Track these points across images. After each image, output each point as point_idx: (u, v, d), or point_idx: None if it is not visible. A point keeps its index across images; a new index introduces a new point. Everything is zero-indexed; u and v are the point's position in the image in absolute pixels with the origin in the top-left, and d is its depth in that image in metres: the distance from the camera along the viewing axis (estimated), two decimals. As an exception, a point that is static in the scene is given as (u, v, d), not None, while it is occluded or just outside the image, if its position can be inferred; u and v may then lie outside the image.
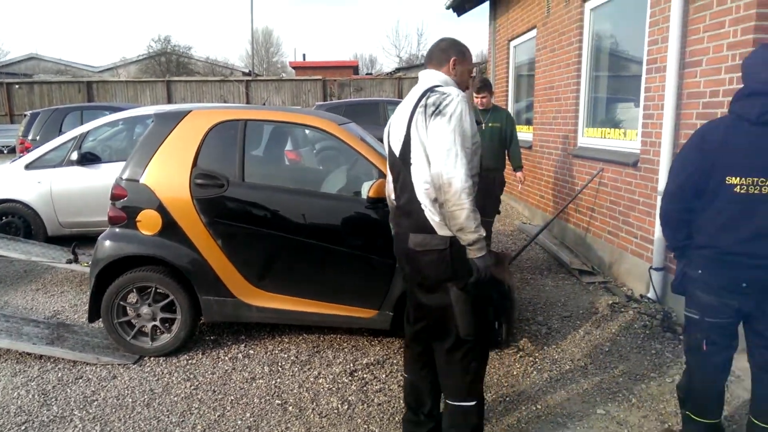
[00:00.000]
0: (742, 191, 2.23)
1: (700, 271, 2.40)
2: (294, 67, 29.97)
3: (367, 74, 30.71)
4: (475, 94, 5.42)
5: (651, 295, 4.54)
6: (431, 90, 2.37)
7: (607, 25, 5.73)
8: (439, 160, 2.25)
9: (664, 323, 4.15)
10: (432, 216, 2.34)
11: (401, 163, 2.41)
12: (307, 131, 5.04)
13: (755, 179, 2.21)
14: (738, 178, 2.23)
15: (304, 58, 35.93)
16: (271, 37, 42.59)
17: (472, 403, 2.51)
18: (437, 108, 2.29)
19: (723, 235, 2.30)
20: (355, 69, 29.05)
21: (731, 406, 3.10)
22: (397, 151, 2.44)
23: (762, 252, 2.25)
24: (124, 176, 3.69)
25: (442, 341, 2.48)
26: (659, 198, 4.26)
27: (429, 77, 2.50)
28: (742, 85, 2.33)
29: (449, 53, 2.52)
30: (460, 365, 2.47)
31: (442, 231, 2.35)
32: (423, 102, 2.34)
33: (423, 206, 2.35)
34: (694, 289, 2.44)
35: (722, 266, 2.33)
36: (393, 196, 2.60)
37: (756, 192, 2.21)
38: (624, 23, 5.42)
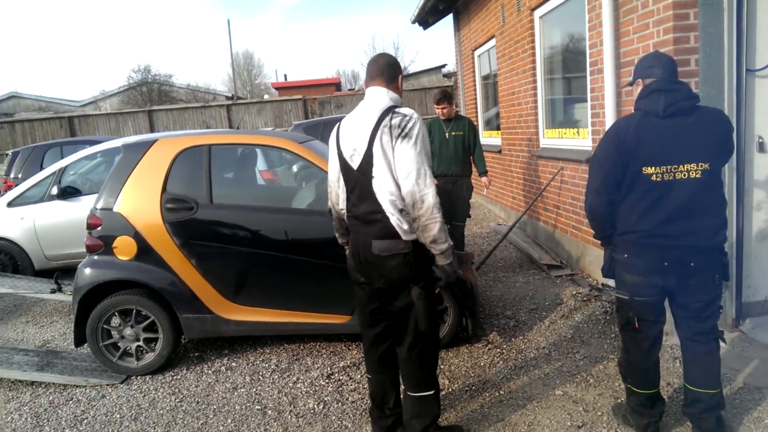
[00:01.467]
0: (657, 179, 2.46)
1: (625, 255, 2.63)
2: (276, 88, 30.22)
3: (349, 90, 31.07)
4: (436, 106, 5.67)
5: (612, 283, 4.77)
6: (392, 111, 2.53)
7: (556, 31, 6.03)
8: (409, 180, 2.45)
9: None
10: (400, 223, 2.52)
11: (360, 176, 2.57)
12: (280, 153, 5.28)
13: (668, 167, 2.45)
14: (653, 168, 2.46)
15: (285, 79, 36.23)
16: (252, 59, 42.99)
17: (432, 392, 2.75)
18: (402, 130, 2.48)
19: (644, 220, 2.53)
20: (337, 86, 29.36)
21: (672, 376, 3.34)
22: (355, 165, 2.59)
23: (678, 232, 2.49)
24: (98, 206, 3.90)
25: (403, 338, 2.70)
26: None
27: (380, 96, 2.63)
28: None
29: (396, 70, 2.69)
30: (419, 359, 2.71)
31: (406, 236, 2.55)
32: (386, 122, 2.50)
33: (389, 214, 2.51)
34: (622, 272, 2.67)
35: (645, 249, 2.57)
36: (343, 206, 2.76)
37: (669, 178, 2.45)
38: (569, 28, 5.72)
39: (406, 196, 2.47)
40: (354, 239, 2.72)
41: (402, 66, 2.81)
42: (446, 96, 5.64)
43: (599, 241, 2.84)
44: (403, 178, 2.47)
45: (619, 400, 3.17)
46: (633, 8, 4.10)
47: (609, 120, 4.46)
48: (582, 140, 5.36)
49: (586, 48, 4.95)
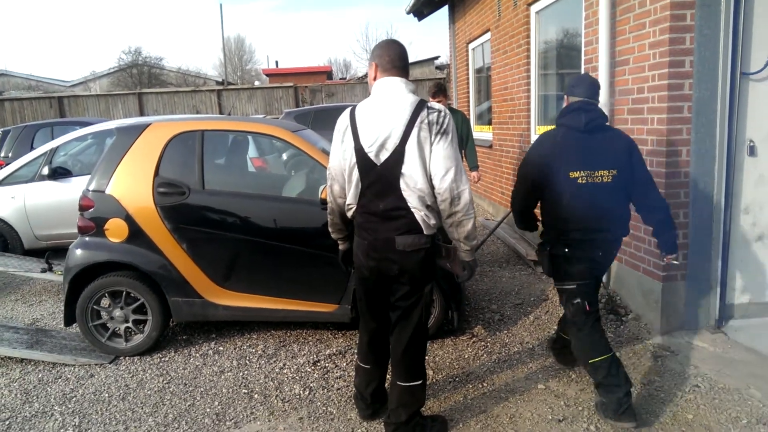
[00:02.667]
0: (582, 181, 2.88)
1: (566, 250, 3.00)
2: (267, 75, 30.05)
3: (341, 78, 30.94)
4: (431, 99, 5.69)
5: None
6: (427, 106, 2.48)
7: (551, 27, 6.06)
8: (448, 177, 2.43)
9: (608, 305, 4.46)
10: (427, 219, 2.52)
11: (384, 172, 2.49)
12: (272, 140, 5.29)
13: (588, 171, 2.89)
14: (578, 172, 2.88)
15: (276, 65, 36.00)
16: (244, 44, 42.59)
17: (420, 381, 2.81)
18: (441, 126, 2.45)
19: (576, 217, 2.93)
20: (328, 74, 29.25)
21: (653, 374, 3.42)
22: (380, 160, 2.49)
23: (605, 226, 2.96)
24: (91, 187, 3.90)
25: (405, 330, 2.73)
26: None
27: (402, 88, 2.55)
28: (571, 101, 3.01)
29: (408, 60, 2.63)
30: (416, 350, 2.77)
31: (429, 231, 2.57)
32: (424, 118, 2.44)
33: (415, 210, 2.49)
34: (566, 265, 3.03)
35: (583, 243, 2.97)
36: (351, 201, 2.65)
37: (591, 181, 2.90)
38: (565, 24, 5.76)
39: (443, 193, 2.44)
40: (369, 236, 2.62)
41: None
42: (442, 89, 5.66)
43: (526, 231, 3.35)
44: (441, 176, 2.43)
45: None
46: (630, 7, 4.14)
47: (601, 118, 4.50)
48: (573, 138, 5.41)
49: (582, 45, 4.99)
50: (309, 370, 3.71)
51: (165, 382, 3.62)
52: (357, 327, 4.15)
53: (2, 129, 9.90)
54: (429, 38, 65.48)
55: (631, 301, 4.37)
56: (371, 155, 2.51)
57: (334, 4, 71.16)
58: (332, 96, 19.52)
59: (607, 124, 3.03)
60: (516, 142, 6.95)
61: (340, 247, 2.98)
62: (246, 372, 3.72)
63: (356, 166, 2.56)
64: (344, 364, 3.77)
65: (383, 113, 2.50)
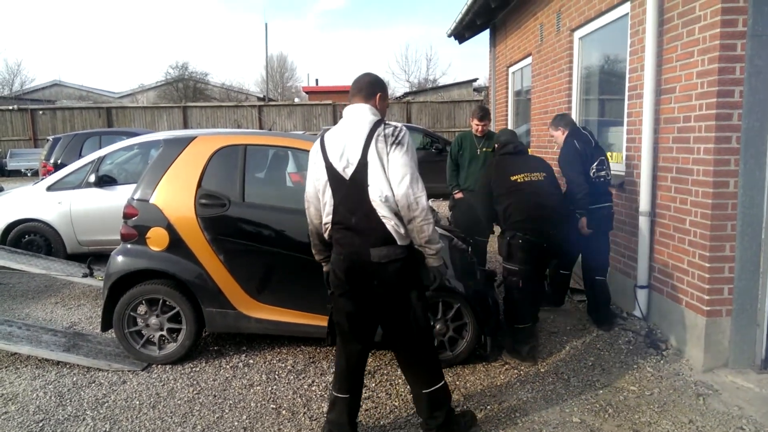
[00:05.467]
0: (520, 180, 4.07)
1: (520, 241, 3.97)
2: (307, 92, 30.62)
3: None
4: (477, 122, 5.73)
5: (636, 312, 4.70)
6: (384, 123, 2.72)
7: (595, 53, 6.01)
8: (404, 183, 2.60)
9: (648, 339, 4.32)
10: (397, 228, 2.66)
11: (353, 185, 2.66)
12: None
13: (525, 174, 4.10)
14: (516, 176, 4.09)
15: (317, 83, 36.65)
16: (286, 62, 43.53)
17: (442, 382, 2.94)
18: (396, 138, 2.66)
19: (525, 211, 4.00)
20: (367, 93, 29.52)
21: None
22: (347, 175, 2.68)
23: (547, 215, 4.02)
24: (136, 196, 4.01)
25: (405, 342, 2.85)
26: (641, 218, 4.50)
27: (363, 110, 2.78)
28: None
29: (375, 88, 2.85)
30: (426, 356, 2.89)
31: (402, 241, 2.69)
32: (380, 132, 2.66)
33: (386, 219, 2.64)
34: (517, 250, 4.00)
35: (533, 232, 3.98)
36: (326, 219, 2.80)
37: (529, 180, 4.08)
38: (609, 51, 5.69)
39: (401, 199, 2.60)
40: (344, 250, 2.74)
41: (383, 86, 2.95)
42: (487, 114, 5.82)
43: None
44: (398, 183, 2.61)
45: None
46: (677, 36, 4.07)
47: (645, 145, 4.41)
48: (615, 164, 5.31)
49: (626, 72, 4.92)
50: (338, 388, 3.68)
51: (195, 392, 3.65)
52: (387, 347, 4.15)
53: (53, 136, 10.32)
54: (468, 60, 65.76)
55: (673, 335, 4.22)
56: (339, 170, 2.71)
57: (376, 25, 72.34)
58: (370, 114, 19.68)
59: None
60: (555, 166, 6.84)
61: (324, 269, 3.03)
62: (275, 387, 3.72)
63: (328, 183, 2.75)
64: (373, 384, 3.73)
65: (347, 132, 2.75)
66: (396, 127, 2.71)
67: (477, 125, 5.73)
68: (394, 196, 2.62)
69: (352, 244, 2.71)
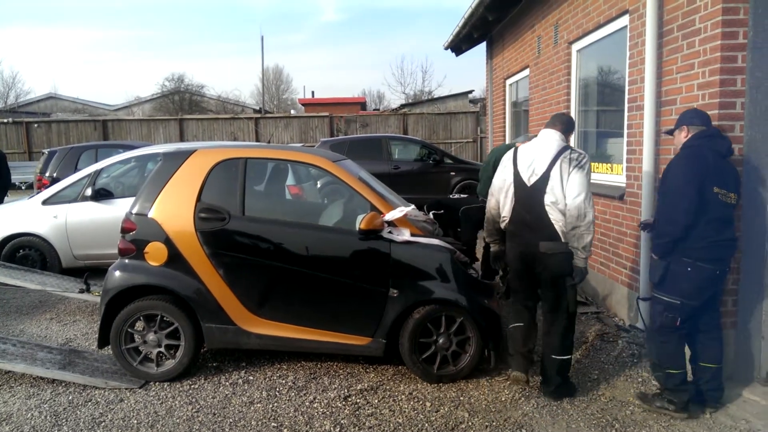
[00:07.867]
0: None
1: (689, 269, 3.45)
2: (303, 104, 30.66)
3: (374, 110, 31.30)
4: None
5: (640, 324, 4.66)
6: (570, 149, 3.48)
7: (593, 65, 6.02)
8: (579, 198, 3.35)
9: (651, 351, 4.27)
10: (564, 228, 3.40)
11: (533, 191, 3.46)
12: (310, 169, 5.33)
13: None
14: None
15: (313, 95, 36.71)
16: (282, 74, 43.62)
17: (569, 356, 3.65)
18: (579, 162, 3.41)
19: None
20: (362, 105, 29.68)
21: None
22: (530, 182, 3.48)
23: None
24: (134, 211, 3.96)
25: (555, 315, 3.58)
26: (642, 231, 4.47)
27: (555, 137, 3.54)
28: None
29: (569, 126, 3.64)
30: (563, 331, 3.58)
31: (563, 239, 3.42)
32: (567, 155, 3.42)
33: (555, 221, 3.40)
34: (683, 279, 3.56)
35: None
36: (505, 213, 3.64)
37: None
38: (608, 63, 5.71)
39: (573, 210, 3.34)
40: (519, 241, 3.58)
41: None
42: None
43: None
44: (574, 197, 3.34)
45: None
46: (677, 48, 4.07)
47: (646, 157, 4.40)
48: (615, 176, 5.31)
49: (625, 84, 4.92)
50: (340, 405, 3.62)
51: (194, 410, 3.57)
52: (390, 362, 4.10)
53: (49, 149, 10.26)
54: (464, 72, 66.18)
55: (677, 349, 4.17)
56: (524, 178, 3.52)
57: (372, 37, 72.76)
58: (366, 126, 19.74)
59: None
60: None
61: (492, 248, 3.92)
62: (276, 404, 3.65)
63: (512, 185, 3.57)
64: (376, 401, 3.67)
65: (538, 150, 3.53)
66: (581, 153, 3.45)
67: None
68: (566, 205, 3.35)
69: (525, 236, 3.52)
